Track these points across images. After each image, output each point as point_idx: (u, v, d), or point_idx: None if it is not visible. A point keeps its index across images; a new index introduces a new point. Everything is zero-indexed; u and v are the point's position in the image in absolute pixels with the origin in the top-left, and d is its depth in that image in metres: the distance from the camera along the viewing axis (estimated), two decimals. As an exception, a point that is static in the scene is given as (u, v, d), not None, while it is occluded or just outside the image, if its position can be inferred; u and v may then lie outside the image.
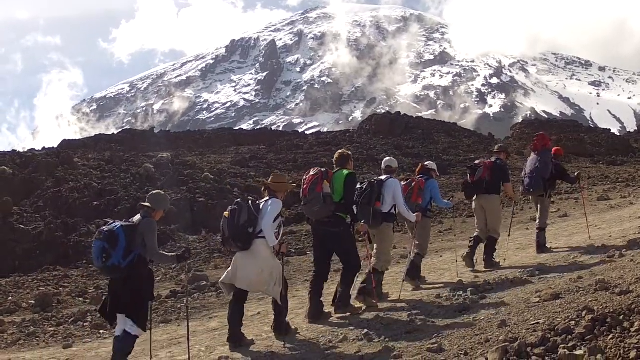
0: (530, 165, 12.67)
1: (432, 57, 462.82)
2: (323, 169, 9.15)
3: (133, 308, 7.60)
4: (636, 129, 76.13)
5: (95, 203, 25.16)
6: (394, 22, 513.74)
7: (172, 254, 8.12)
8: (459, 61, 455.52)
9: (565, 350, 5.74)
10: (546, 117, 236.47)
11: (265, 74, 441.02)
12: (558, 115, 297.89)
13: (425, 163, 11.86)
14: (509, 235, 13.12)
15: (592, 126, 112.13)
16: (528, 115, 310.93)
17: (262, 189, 8.87)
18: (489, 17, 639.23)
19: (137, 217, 7.83)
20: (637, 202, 19.35)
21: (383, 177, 10.11)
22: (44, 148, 45.63)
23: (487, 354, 6.18)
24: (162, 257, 7.92)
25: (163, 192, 8.34)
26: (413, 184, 10.94)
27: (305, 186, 9.03)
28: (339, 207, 9.03)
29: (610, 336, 5.81)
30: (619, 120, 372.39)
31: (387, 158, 10.82)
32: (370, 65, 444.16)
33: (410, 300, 9.69)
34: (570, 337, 6.01)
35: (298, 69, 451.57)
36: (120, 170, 31.67)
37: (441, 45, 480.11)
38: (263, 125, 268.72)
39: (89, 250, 20.50)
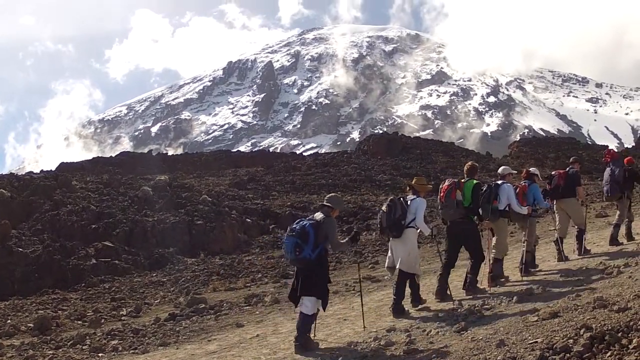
0: (606, 176, 15.11)
1: (429, 77, 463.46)
2: (456, 180, 11.09)
3: (322, 291, 8.94)
4: (634, 144, 76.26)
5: (94, 226, 25.14)
6: (390, 42, 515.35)
7: (346, 239, 9.50)
8: (456, 80, 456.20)
9: (564, 368, 5.74)
10: (543, 134, 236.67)
11: (262, 95, 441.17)
12: (555, 133, 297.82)
13: (529, 169, 13.85)
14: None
15: (589, 143, 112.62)
16: (525, 133, 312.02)
17: (407, 189, 11.09)
18: (485, 35, 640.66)
19: (319, 214, 9.10)
20: (634, 219, 19.31)
21: (499, 182, 12.17)
22: (42, 171, 45.71)
23: (485, 373, 6.17)
24: (342, 246, 9.61)
25: (339, 195, 10.25)
26: (517, 189, 12.58)
27: (442, 194, 11.00)
28: (468, 210, 10.93)
29: (609, 354, 5.80)
30: (616, 136, 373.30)
31: (503, 167, 13.01)
32: (368, 86, 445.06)
33: (409, 319, 9.68)
34: (568, 355, 6.00)
35: (295, 90, 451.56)
36: (118, 193, 31.74)
37: (438, 65, 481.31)
38: (261, 147, 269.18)
39: (88, 272, 20.58)
